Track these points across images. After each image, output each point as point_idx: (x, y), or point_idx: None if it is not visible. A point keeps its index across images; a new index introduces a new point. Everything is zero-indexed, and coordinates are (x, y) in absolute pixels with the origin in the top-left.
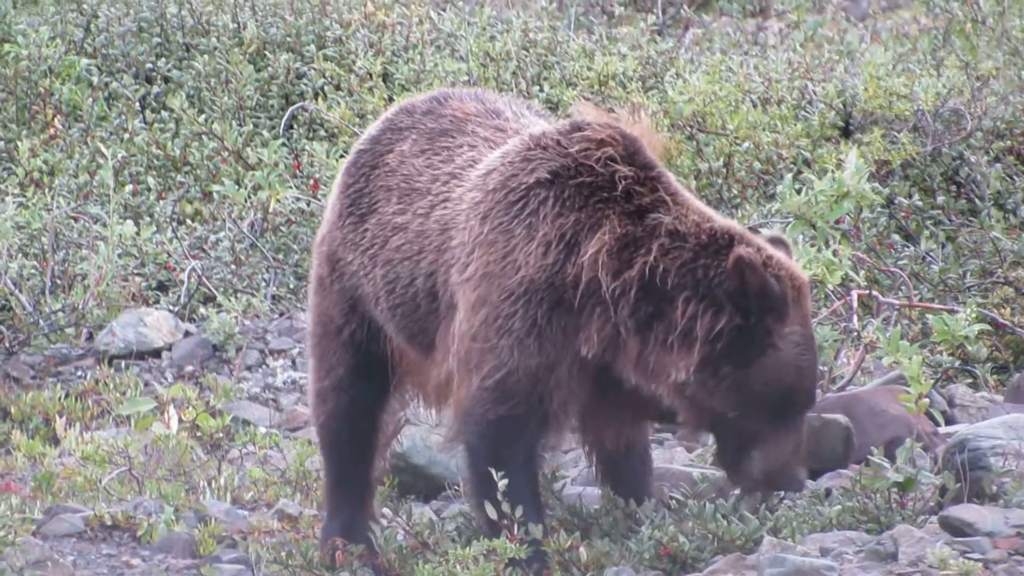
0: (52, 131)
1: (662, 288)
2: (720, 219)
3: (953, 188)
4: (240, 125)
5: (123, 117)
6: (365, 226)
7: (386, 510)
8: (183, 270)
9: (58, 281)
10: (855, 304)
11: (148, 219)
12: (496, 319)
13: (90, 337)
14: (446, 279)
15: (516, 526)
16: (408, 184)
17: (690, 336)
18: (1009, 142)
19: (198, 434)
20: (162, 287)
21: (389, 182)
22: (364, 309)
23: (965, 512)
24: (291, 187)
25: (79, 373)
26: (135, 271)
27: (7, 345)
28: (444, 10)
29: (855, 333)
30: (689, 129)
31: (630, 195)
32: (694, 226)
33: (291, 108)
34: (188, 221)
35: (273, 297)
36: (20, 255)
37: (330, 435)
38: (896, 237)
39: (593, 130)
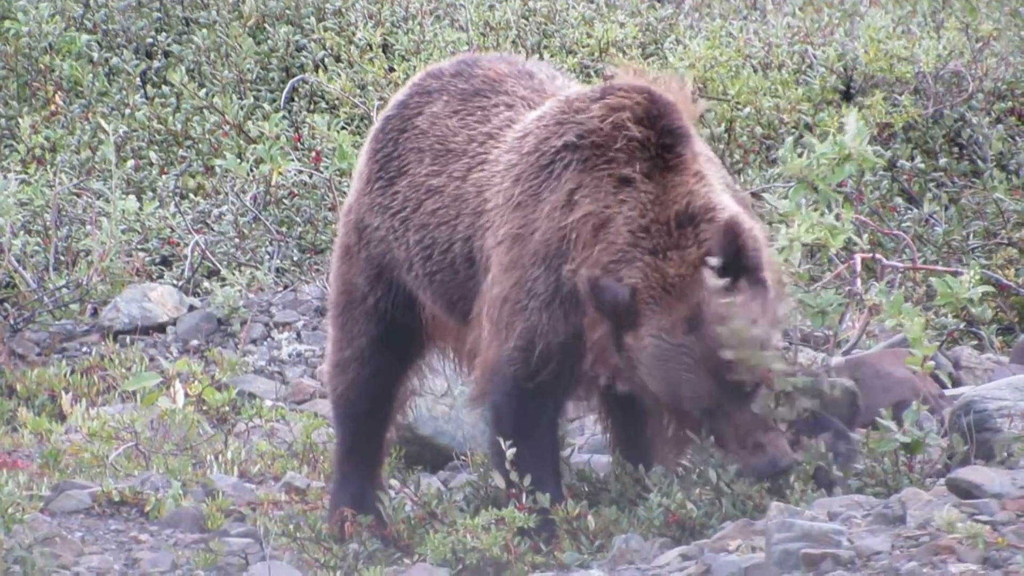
0: (53, 107)
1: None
2: (707, 205)
3: (955, 150)
4: (241, 98)
5: (124, 92)
6: (395, 189)
7: (393, 481)
8: (186, 245)
9: (62, 257)
10: (859, 268)
11: (151, 194)
12: (525, 281)
13: (95, 313)
14: (482, 244)
15: (525, 494)
16: (443, 145)
17: (585, 343)
18: (1010, 103)
19: (204, 408)
20: (166, 262)
21: (420, 144)
22: (391, 276)
23: (972, 474)
24: (293, 160)
25: (84, 349)
26: (138, 246)
27: (12, 322)
28: None
29: (859, 297)
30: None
31: (632, 158)
32: (651, 221)
33: (291, 80)
34: (191, 195)
35: (277, 270)
36: (23, 232)
37: (347, 405)
38: (899, 200)
39: (616, 95)
